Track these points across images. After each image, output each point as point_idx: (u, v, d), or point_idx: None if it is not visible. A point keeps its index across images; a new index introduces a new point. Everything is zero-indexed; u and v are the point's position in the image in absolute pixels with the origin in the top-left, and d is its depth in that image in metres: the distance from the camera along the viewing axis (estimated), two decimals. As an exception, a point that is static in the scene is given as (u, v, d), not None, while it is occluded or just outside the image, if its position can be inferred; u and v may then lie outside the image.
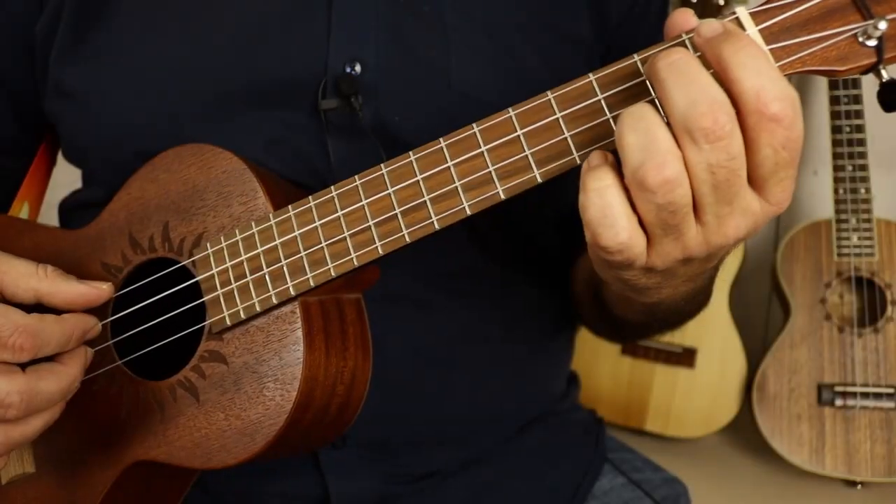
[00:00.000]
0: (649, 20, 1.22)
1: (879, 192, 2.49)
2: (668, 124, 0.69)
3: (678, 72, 0.67)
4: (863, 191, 2.36)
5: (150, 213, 0.98)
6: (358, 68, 1.03)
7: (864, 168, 2.36)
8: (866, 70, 0.72)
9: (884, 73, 0.72)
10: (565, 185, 0.82)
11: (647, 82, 0.74)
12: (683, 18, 0.75)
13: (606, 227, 0.71)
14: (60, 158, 1.29)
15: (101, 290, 0.94)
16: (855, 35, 0.71)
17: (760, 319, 2.80)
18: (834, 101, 2.39)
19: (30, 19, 1.13)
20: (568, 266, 1.28)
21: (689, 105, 0.66)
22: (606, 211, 0.71)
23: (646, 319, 1.05)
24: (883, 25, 0.69)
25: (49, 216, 1.24)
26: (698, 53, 0.72)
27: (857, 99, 2.38)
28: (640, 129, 0.68)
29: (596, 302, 1.13)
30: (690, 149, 0.67)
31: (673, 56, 0.68)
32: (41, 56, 1.13)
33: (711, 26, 0.69)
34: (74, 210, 1.24)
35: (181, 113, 1.04)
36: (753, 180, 0.71)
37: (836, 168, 2.39)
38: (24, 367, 0.86)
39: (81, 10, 1.08)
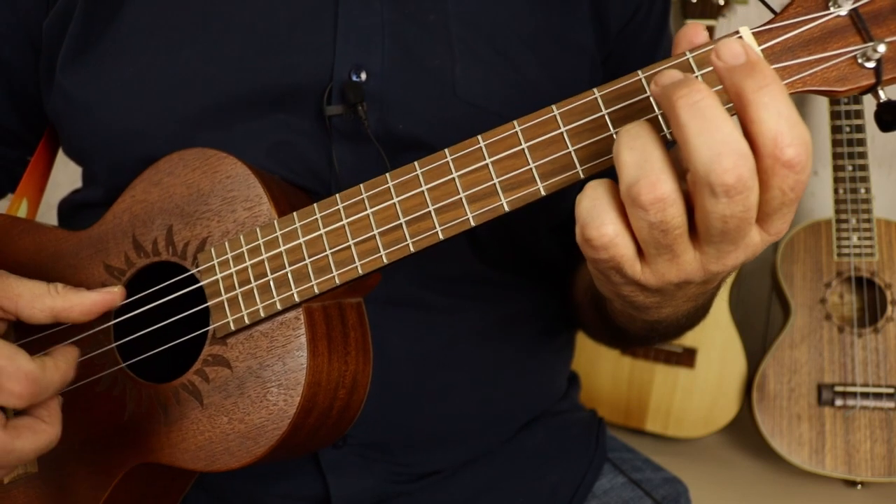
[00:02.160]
0: (649, 28, 1.23)
1: (879, 192, 2.50)
2: (669, 144, 0.69)
3: (701, 117, 0.65)
4: (863, 191, 2.36)
5: (154, 217, 0.98)
6: (363, 76, 1.03)
7: (864, 168, 2.37)
8: (865, 91, 0.73)
9: (881, 94, 0.72)
10: (565, 193, 0.83)
11: (654, 103, 0.74)
12: (694, 32, 0.75)
13: (593, 217, 0.72)
14: (60, 158, 1.29)
15: (113, 294, 0.94)
16: (855, 56, 0.72)
17: (760, 319, 2.81)
18: (834, 101, 2.39)
19: (37, 14, 1.13)
20: (567, 269, 1.29)
21: (712, 158, 0.65)
22: (595, 202, 0.72)
23: (646, 333, 1.05)
24: (882, 48, 0.70)
25: (49, 217, 1.24)
26: (707, 69, 0.72)
27: (857, 99, 2.38)
28: (636, 147, 0.69)
29: (597, 312, 1.13)
30: (708, 199, 0.66)
31: (695, 96, 0.66)
32: (47, 54, 1.13)
33: (733, 51, 0.66)
34: (74, 210, 1.25)
35: (184, 116, 1.04)
36: (758, 216, 0.70)
37: (836, 168, 2.39)
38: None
39: (91, 16, 1.09)
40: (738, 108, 0.67)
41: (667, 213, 0.68)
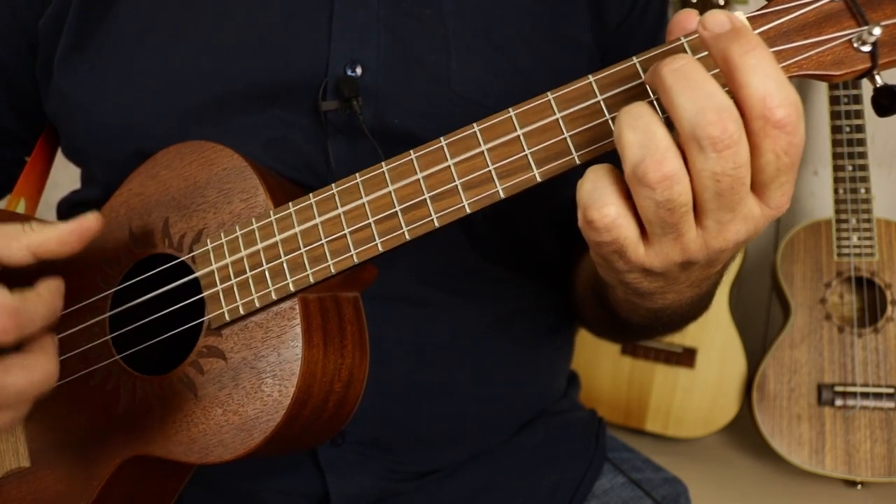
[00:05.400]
0: (647, 21, 1.22)
1: (879, 192, 2.50)
2: (669, 126, 0.69)
3: (684, 78, 0.67)
4: (863, 191, 2.36)
5: (151, 209, 0.98)
6: (359, 70, 1.03)
7: (864, 168, 2.37)
8: (861, 75, 0.73)
9: (878, 78, 0.72)
10: (562, 186, 0.83)
11: (649, 89, 0.74)
12: (686, 19, 0.75)
13: (595, 199, 0.72)
14: (60, 159, 1.29)
15: (89, 221, 0.90)
16: (850, 40, 0.71)
17: (760, 319, 2.81)
18: (834, 101, 2.39)
19: (33, 14, 1.13)
20: (567, 266, 1.28)
21: (696, 113, 0.66)
22: (597, 185, 0.72)
23: (650, 323, 1.05)
24: (877, 31, 0.70)
25: (48, 216, 1.24)
26: (701, 55, 0.72)
27: (857, 99, 2.38)
28: (638, 126, 0.69)
29: (599, 304, 1.13)
30: (697, 157, 0.67)
31: (678, 62, 0.68)
32: (44, 54, 1.13)
33: (718, 20, 0.68)
34: (72, 209, 1.24)
35: (181, 113, 1.04)
36: (754, 185, 0.70)
37: (836, 168, 2.39)
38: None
39: (86, 14, 1.09)
40: (725, 74, 0.67)
41: (673, 191, 0.68)
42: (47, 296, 0.88)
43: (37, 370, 0.86)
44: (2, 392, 0.83)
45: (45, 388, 0.87)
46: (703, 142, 0.66)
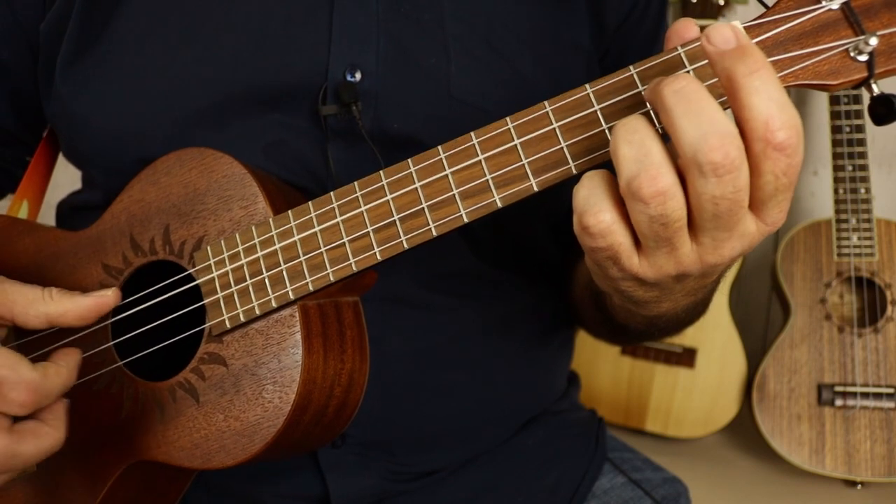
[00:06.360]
0: (646, 24, 1.22)
1: (879, 192, 2.50)
2: (664, 138, 0.69)
3: (686, 100, 0.67)
4: (863, 191, 2.36)
5: (151, 216, 0.98)
6: (358, 75, 1.03)
7: (864, 168, 2.37)
8: (858, 84, 0.73)
9: (874, 87, 0.72)
10: (560, 190, 0.83)
11: (650, 107, 0.74)
12: (685, 27, 0.75)
13: (591, 205, 0.72)
14: (61, 159, 1.30)
15: (107, 298, 0.95)
16: (846, 50, 0.72)
17: (760, 319, 2.81)
18: (834, 101, 2.39)
19: (34, 16, 1.14)
20: (566, 268, 1.29)
21: (699, 138, 0.65)
22: (593, 191, 0.72)
23: (646, 328, 1.05)
24: (874, 41, 0.70)
25: (49, 216, 1.24)
26: (698, 64, 0.72)
27: (857, 99, 2.38)
28: (634, 141, 0.69)
29: (597, 308, 1.13)
30: (697, 180, 0.67)
31: (680, 83, 0.67)
32: (45, 57, 1.13)
33: (723, 35, 0.67)
34: (72, 211, 1.25)
35: (181, 118, 1.04)
36: (752, 203, 0.70)
37: (836, 168, 2.39)
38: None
39: (87, 20, 1.09)
40: (728, 92, 0.67)
41: (667, 206, 0.68)
42: (65, 372, 0.91)
43: (47, 439, 0.89)
44: (12, 460, 0.86)
45: (50, 455, 0.90)
46: (705, 167, 0.66)
